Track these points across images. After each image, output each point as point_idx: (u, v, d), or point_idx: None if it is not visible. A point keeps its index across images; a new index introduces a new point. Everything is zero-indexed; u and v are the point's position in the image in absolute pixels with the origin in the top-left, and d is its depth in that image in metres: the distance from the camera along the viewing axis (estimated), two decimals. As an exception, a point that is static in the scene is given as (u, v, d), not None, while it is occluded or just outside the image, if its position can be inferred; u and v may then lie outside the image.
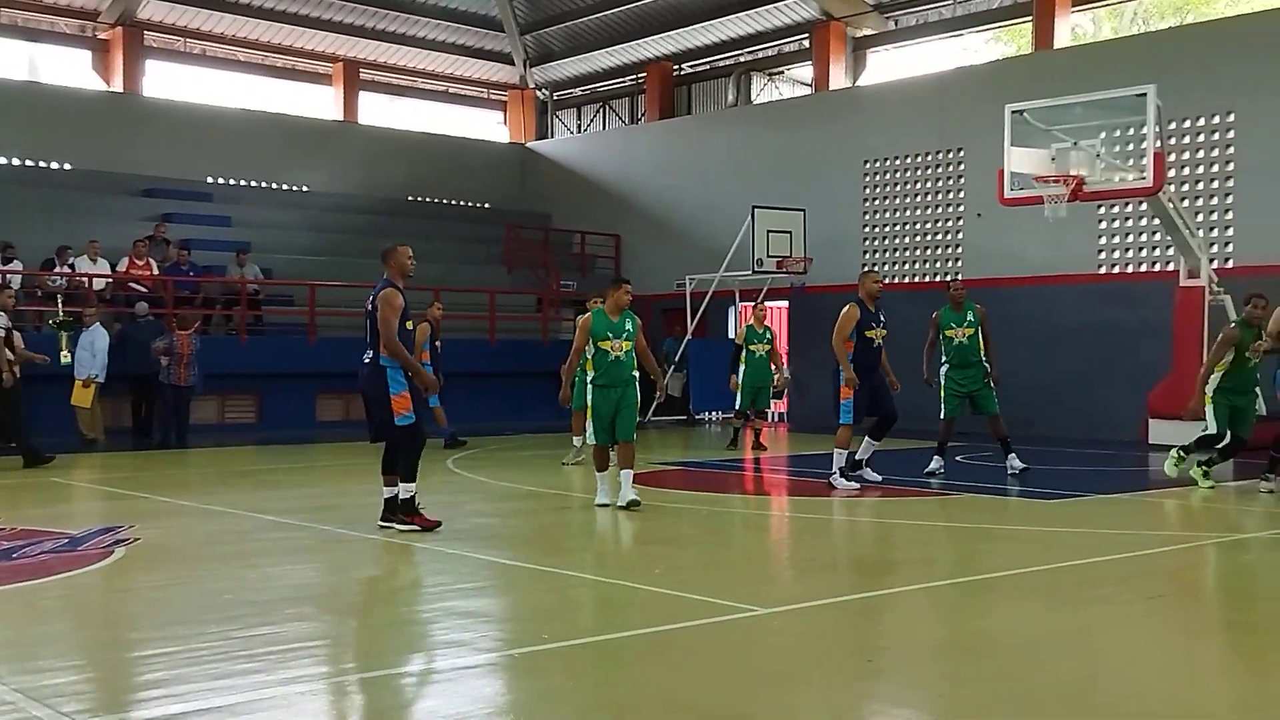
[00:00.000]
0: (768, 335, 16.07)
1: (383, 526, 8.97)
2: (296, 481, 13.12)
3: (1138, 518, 10.63)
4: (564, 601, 6.84)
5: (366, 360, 8.88)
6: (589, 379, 10.39)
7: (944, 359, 12.76)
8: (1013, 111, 15.74)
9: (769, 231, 21.61)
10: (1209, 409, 11.41)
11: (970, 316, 12.63)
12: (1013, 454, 12.58)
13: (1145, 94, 14.86)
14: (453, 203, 28.10)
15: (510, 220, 26.68)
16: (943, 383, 12.72)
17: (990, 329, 12.76)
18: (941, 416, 12.72)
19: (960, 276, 13.15)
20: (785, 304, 23.64)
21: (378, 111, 29.00)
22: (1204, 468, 11.71)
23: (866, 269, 12.76)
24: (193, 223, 22.37)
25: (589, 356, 10.26)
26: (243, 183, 25.37)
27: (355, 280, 21.34)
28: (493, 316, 22.45)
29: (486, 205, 28.40)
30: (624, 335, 10.22)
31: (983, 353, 12.62)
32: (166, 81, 25.99)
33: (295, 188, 26.12)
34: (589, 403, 10.47)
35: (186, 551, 8.29)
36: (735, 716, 4.64)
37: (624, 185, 26.77)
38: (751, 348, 15.94)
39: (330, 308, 20.88)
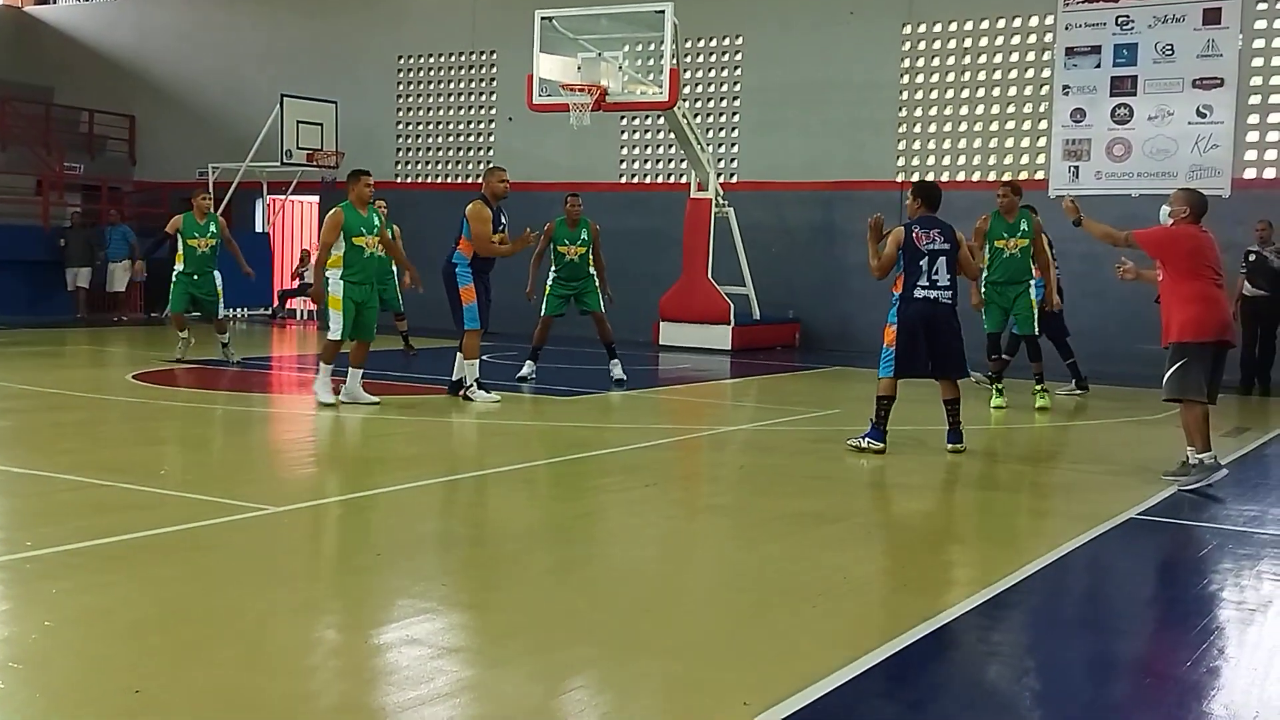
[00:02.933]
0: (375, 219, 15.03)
1: None
2: None
3: (646, 414, 11.38)
4: (53, 506, 6.37)
5: None
6: (339, 274, 9.96)
7: (553, 268, 12.39)
8: (542, 18, 16.06)
9: (299, 122, 20.88)
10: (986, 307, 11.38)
11: (584, 234, 12.30)
12: (616, 360, 12.38)
13: (663, 11, 15.63)
14: (-68, 68, 24.81)
15: (3, 91, 23.93)
16: (549, 284, 12.36)
17: (601, 245, 12.48)
18: (541, 313, 12.38)
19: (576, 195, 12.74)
20: (316, 199, 23.01)
21: None
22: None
23: (491, 166, 12.09)
24: None
25: (339, 252, 9.95)
26: None
27: None
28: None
29: (-26, 73, 25.32)
30: (375, 230, 10.05)
31: (592, 267, 12.34)
32: None
33: None
34: (340, 297, 9.96)
35: None
36: (239, 614, 4.54)
37: (139, 62, 24.75)
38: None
39: None
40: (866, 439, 8.64)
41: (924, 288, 8.57)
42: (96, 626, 4.35)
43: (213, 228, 13.30)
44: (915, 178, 17.80)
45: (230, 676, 3.87)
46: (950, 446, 8.73)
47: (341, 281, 10.05)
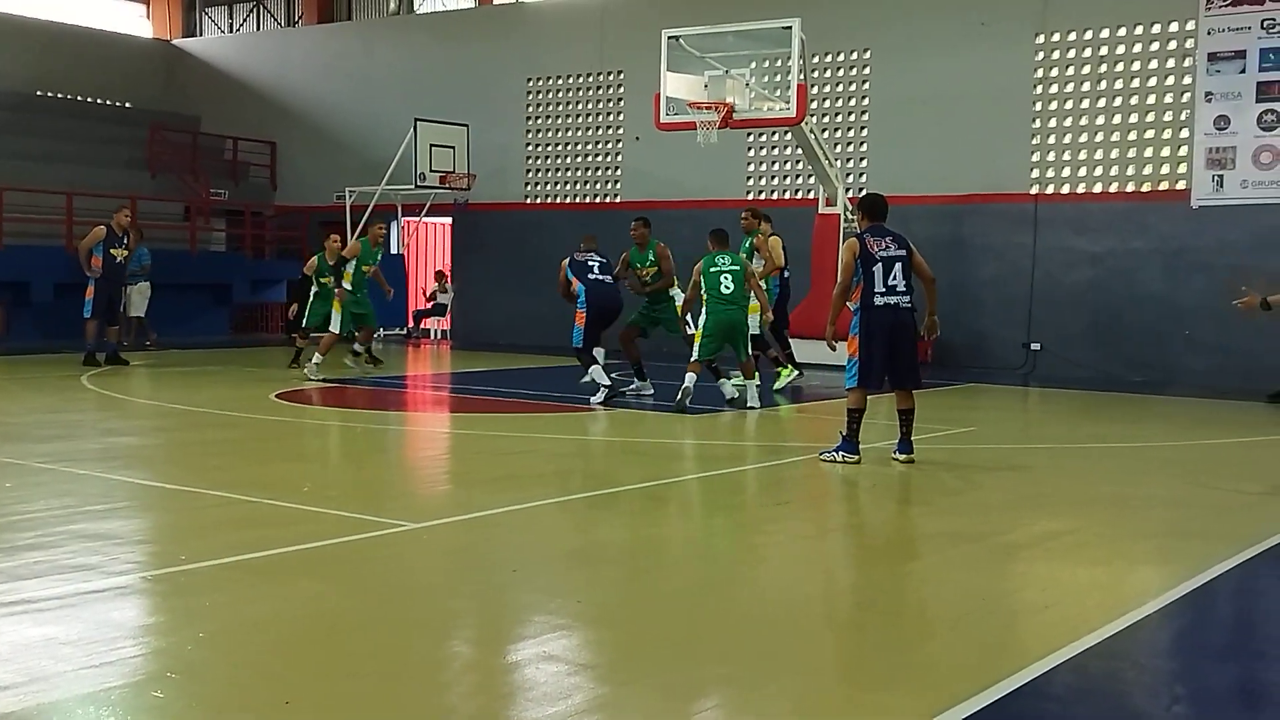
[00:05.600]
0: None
1: None
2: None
3: (774, 431, 11.33)
4: (205, 521, 6.61)
5: None
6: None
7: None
8: (669, 37, 16.15)
9: (432, 146, 21.34)
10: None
11: (651, 255, 12.84)
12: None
13: (791, 27, 15.59)
14: (89, 100, 25.98)
15: (154, 122, 25.00)
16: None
17: (670, 262, 12.87)
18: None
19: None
20: (449, 220, 23.49)
21: (0, -5, 26.33)
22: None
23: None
24: None
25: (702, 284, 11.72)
26: None
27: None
28: (135, 224, 21.02)
29: (128, 105, 26.46)
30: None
31: (673, 289, 12.90)
32: None
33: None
34: (701, 324, 11.72)
35: None
36: (381, 628, 4.66)
37: (280, 91, 25.60)
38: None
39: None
40: (840, 452, 8.61)
41: (883, 294, 8.50)
42: (247, 638, 4.50)
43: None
44: (1050, 190, 17.45)
45: (374, 689, 3.97)
46: (901, 457, 8.66)
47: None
